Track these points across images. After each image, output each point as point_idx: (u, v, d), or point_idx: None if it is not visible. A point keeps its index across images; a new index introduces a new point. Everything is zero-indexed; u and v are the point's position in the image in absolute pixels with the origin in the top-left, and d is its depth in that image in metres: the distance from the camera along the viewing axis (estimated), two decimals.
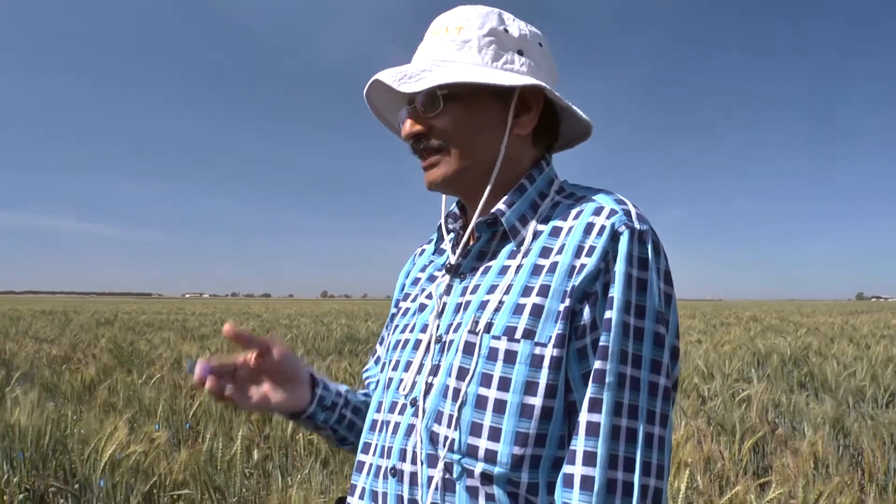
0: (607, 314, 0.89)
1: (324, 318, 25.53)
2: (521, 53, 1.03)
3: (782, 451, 5.13)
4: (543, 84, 1.00)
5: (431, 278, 1.13)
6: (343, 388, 1.21)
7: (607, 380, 0.87)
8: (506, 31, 1.03)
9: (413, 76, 0.98)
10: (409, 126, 1.03)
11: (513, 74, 1.01)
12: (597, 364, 0.88)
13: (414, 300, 1.13)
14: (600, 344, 0.88)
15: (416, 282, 1.17)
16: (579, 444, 0.87)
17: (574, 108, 1.04)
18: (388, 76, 1.00)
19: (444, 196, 1.13)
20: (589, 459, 0.86)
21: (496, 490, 0.89)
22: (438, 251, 1.16)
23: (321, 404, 1.13)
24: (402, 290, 1.22)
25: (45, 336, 15.46)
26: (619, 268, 0.90)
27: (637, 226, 0.93)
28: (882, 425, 5.00)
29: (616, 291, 0.89)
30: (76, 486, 4.00)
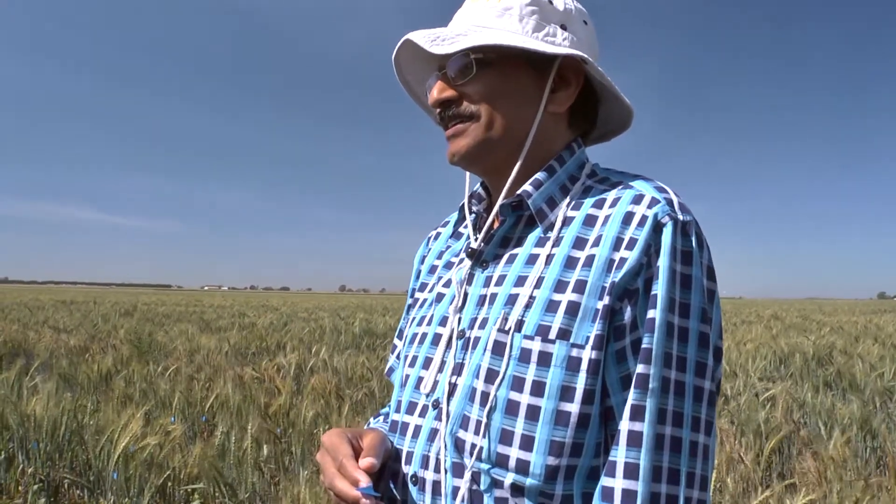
0: (650, 313, 0.81)
1: (342, 312, 25.56)
2: (563, 28, 0.96)
3: (806, 452, 5.00)
4: (586, 56, 0.92)
5: (449, 265, 1.04)
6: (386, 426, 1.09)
7: (651, 385, 0.80)
8: (550, 2, 0.96)
9: (447, 39, 0.91)
10: (437, 92, 0.96)
11: (552, 45, 0.93)
12: (639, 368, 0.80)
13: (431, 290, 1.05)
14: (643, 346, 0.81)
15: (432, 269, 1.09)
16: (620, 454, 0.80)
17: (616, 88, 0.96)
18: (420, 37, 0.92)
19: (467, 174, 1.05)
20: (631, 472, 0.79)
21: (527, 503, 0.81)
22: (456, 234, 1.08)
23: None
24: (418, 277, 1.13)
25: (65, 326, 15.58)
26: (663, 262, 0.82)
27: (681, 216, 0.85)
28: None
29: (660, 288, 0.82)
30: (91, 478, 3.97)
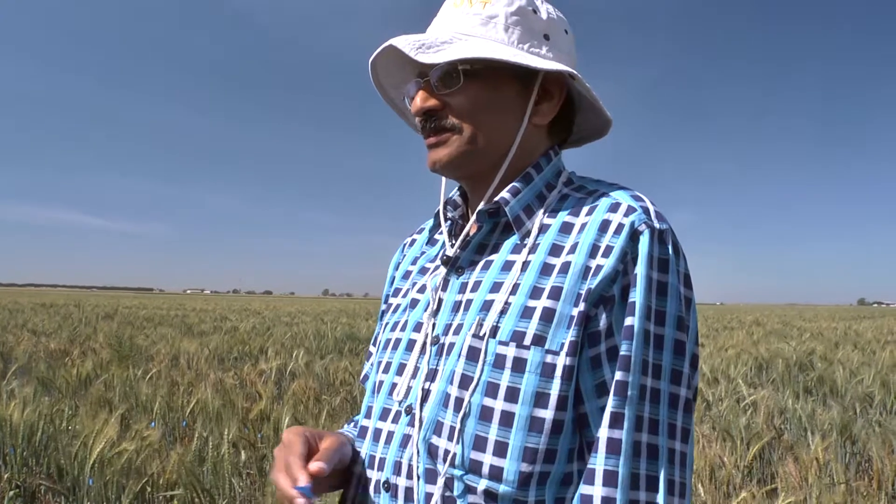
0: (628, 321, 0.81)
1: (324, 317, 25.47)
2: (546, 38, 0.95)
3: (787, 457, 5.03)
4: (574, 72, 0.92)
5: (423, 271, 1.04)
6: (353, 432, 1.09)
7: (629, 392, 0.80)
8: (534, 11, 0.96)
9: (432, 46, 0.90)
10: (420, 100, 0.94)
11: (541, 59, 0.93)
12: (618, 375, 0.80)
13: (405, 295, 1.04)
14: (621, 353, 0.80)
15: (406, 275, 1.08)
16: (599, 462, 0.79)
17: (600, 101, 0.96)
18: (404, 44, 0.90)
19: (443, 181, 1.04)
20: (610, 479, 0.78)
21: None
22: (432, 241, 1.08)
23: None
24: (392, 284, 1.13)
25: (45, 329, 15.42)
26: (640, 270, 0.82)
27: (657, 225, 0.85)
28: (891, 432, 4.92)
29: (637, 296, 0.82)
30: (67, 484, 3.92)
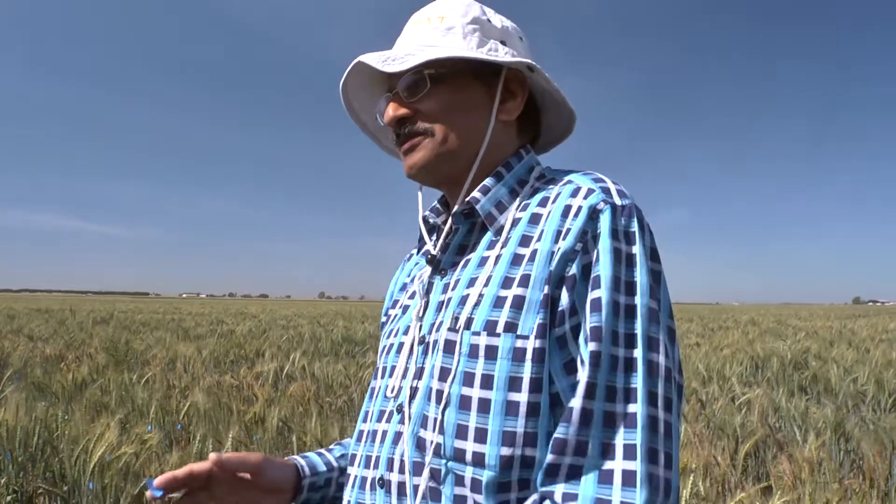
0: (594, 294, 0.83)
1: (321, 320, 25.45)
2: (503, 43, 1.01)
3: (781, 455, 5.06)
4: (533, 63, 0.97)
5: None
6: (336, 453, 1.14)
7: (601, 363, 0.80)
8: (488, 20, 1.02)
9: (397, 59, 0.95)
10: (392, 110, 0.99)
11: (502, 57, 0.98)
12: (590, 346, 0.81)
13: (400, 305, 1.09)
14: (591, 325, 0.81)
15: (403, 287, 1.13)
16: (571, 431, 0.79)
17: (560, 91, 1.01)
18: (372, 59, 0.96)
19: (419, 193, 1.08)
20: (579, 449, 0.79)
21: (485, 499, 0.82)
22: (425, 253, 1.11)
23: (312, 489, 1.07)
24: (391, 297, 1.17)
25: (40, 334, 15.38)
26: (603, 245, 0.85)
27: (619, 201, 0.88)
28: (883, 430, 4.95)
29: (602, 269, 0.84)
30: (65, 488, 3.93)
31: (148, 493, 0.90)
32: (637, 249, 0.86)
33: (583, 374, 0.81)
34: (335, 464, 1.12)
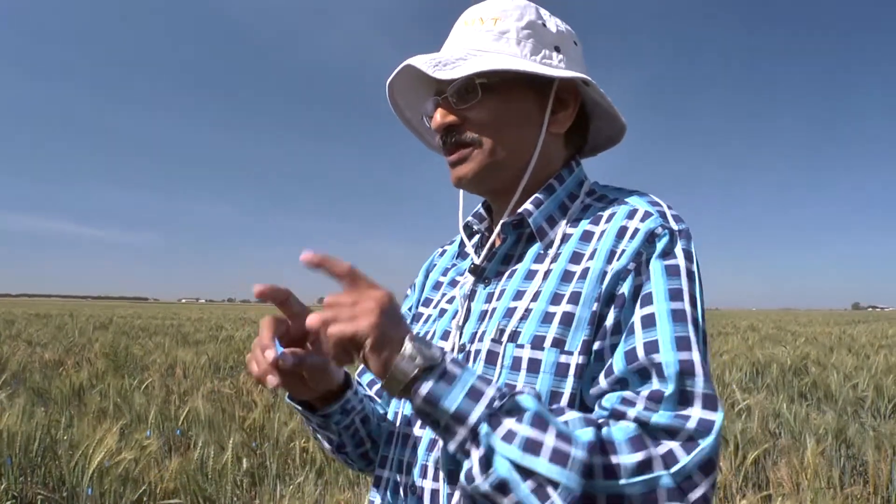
0: (646, 310, 0.82)
1: None
2: (557, 50, 0.98)
3: (781, 462, 5.05)
4: (588, 78, 0.95)
5: (454, 283, 1.07)
6: (361, 392, 1.08)
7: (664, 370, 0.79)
8: (544, 25, 0.99)
9: (448, 63, 0.92)
10: (440, 116, 0.97)
11: (554, 68, 0.96)
12: (649, 358, 0.80)
13: (435, 306, 1.07)
14: (645, 341, 0.80)
15: (437, 286, 1.11)
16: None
17: (614, 107, 0.99)
18: (422, 62, 0.93)
19: (461, 196, 1.06)
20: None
21: None
22: (462, 254, 1.10)
23: (344, 406, 1.01)
24: (422, 290, 1.15)
25: (39, 340, 15.34)
26: (657, 266, 0.85)
27: (675, 226, 0.89)
28: (884, 436, 4.94)
29: (654, 286, 0.84)
30: (64, 493, 3.91)
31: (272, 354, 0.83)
32: (694, 268, 0.87)
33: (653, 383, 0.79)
34: (362, 399, 1.05)
